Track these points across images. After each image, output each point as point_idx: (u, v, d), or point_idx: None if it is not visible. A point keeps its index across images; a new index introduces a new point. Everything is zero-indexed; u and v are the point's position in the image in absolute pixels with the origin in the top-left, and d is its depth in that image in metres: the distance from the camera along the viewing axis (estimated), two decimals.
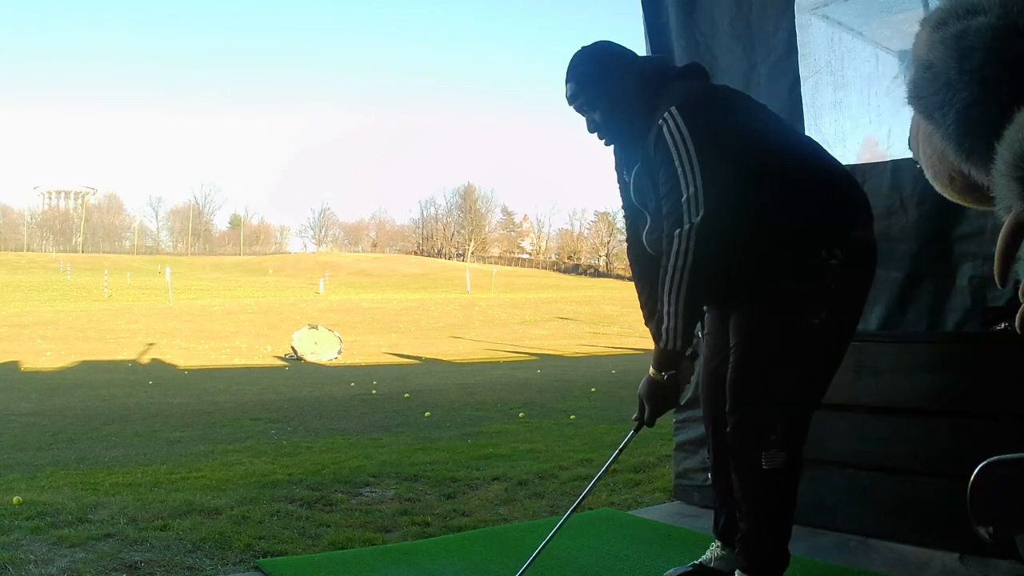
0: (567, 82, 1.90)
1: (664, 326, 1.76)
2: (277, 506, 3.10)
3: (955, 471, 1.70)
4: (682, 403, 3.16)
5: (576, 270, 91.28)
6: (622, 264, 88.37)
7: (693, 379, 3.13)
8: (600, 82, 1.86)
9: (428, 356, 17.18)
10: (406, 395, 8.58)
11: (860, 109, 2.94)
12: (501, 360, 15.79)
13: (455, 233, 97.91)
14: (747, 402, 1.82)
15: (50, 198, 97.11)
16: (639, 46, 3.32)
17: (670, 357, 1.81)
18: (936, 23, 0.98)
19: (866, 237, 1.86)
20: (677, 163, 1.70)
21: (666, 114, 1.73)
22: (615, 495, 3.38)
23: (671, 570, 2.14)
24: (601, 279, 78.86)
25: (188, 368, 13.99)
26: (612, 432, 5.38)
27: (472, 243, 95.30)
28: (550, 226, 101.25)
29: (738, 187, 1.70)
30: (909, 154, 1.59)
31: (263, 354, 17.58)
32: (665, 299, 1.74)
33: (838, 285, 1.80)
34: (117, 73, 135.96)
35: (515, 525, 2.89)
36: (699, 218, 1.68)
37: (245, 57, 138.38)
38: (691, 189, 1.69)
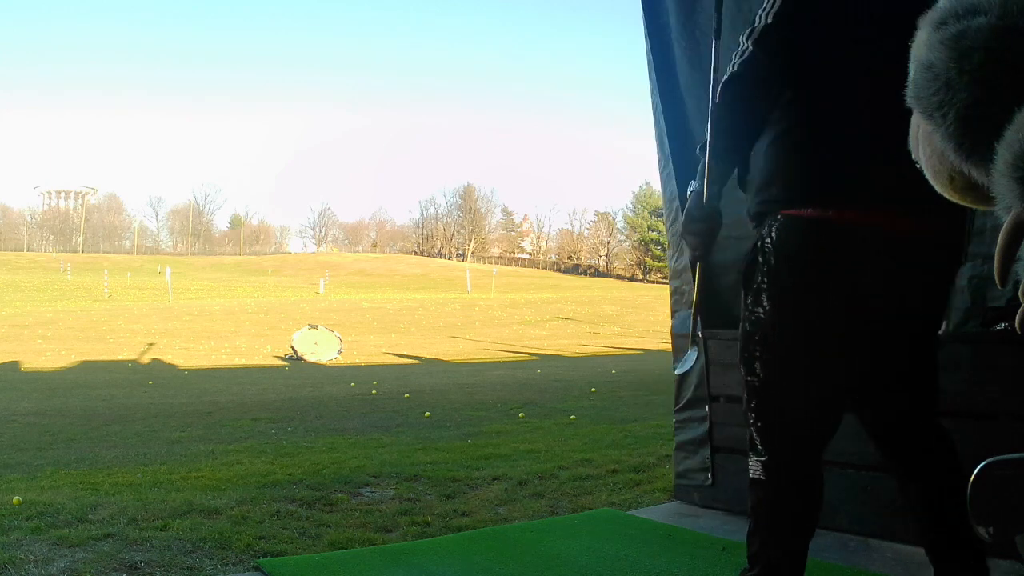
0: None
1: None
2: (277, 506, 3.11)
3: None
4: (681, 404, 3.19)
5: (576, 270, 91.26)
6: (622, 264, 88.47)
7: (694, 379, 3.14)
8: None
9: (428, 356, 17.18)
10: (406, 395, 8.58)
11: None
12: (501, 360, 15.80)
13: (455, 233, 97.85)
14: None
15: (50, 198, 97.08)
16: (639, 46, 3.33)
17: None
18: (936, 23, 0.98)
19: (828, 220, 1.56)
20: None
21: None
22: (615, 495, 3.38)
23: None
24: (601, 279, 78.70)
25: (188, 368, 13.99)
26: (612, 432, 5.38)
27: (472, 243, 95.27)
28: (550, 226, 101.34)
29: None
30: None
31: (263, 354, 17.58)
32: None
33: (767, 278, 1.62)
34: (117, 73, 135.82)
35: (515, 525, 2.89)
36: None
37: (245, 57, 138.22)
38: None
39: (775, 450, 1.65)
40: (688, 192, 1.73)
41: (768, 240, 1.62)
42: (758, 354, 1.64)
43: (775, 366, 1.63)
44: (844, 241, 1.57)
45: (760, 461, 1.66)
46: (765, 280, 1.62)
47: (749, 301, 1.65)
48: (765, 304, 1.62)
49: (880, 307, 1.62)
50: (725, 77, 1.69)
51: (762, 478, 1.66)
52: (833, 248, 1.58)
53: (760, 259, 1.63)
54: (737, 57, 1.69)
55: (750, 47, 1.66)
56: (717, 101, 1.69)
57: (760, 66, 1.65)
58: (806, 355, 1.62)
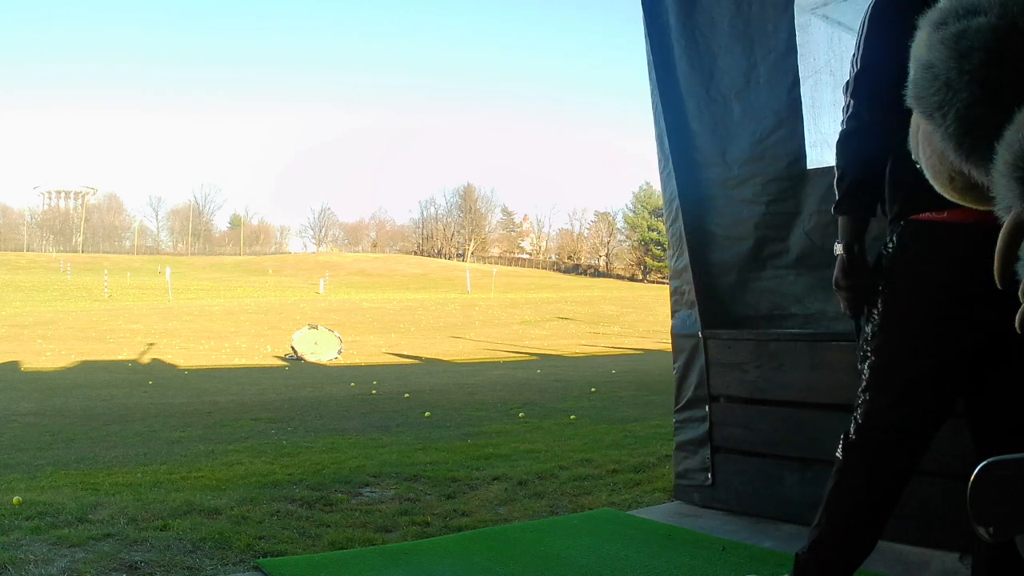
0: None
1: None
2: (277, 506, 3.11)
3: (955, 471, 1.70)
4: (681, 404, 3.19)
5: (576, 270, 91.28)
6: (622, 264, 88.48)
7: (694, 379, 3.14)
8: None
9: (428, 356, 17.19)
10: (406, 395, 8.58)
11: None
12: (501, 360, 15.80)
13: (455, 233, 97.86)
14: None
15: (50, 198, 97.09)
16: (639, 45, 3.33)
17: None
18: (936, 23, 0.98)
19: (934, 223, 1.58)
20: None
21: None
22: (615, 495, 3.38)
23: None
24: (601, 279, 78.69)
25: (188, 368, 13.99)
26: (612, 432, 5.38)
27: (472, 243, 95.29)
28: (550, 226, 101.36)
29: None
30: None
31: (263, 354, 17.58)
32: None
33: (886, 285, 1.64)
34: (117, 73, 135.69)
35: (515, 525, 2.89)
36: None
37: (245, 57, 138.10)
38: None
39: (861, 440, 1.68)
40: (834, 251, 1.76)
41: (890, 245, 1.66)
42: (868, 351, 1.68)
43: (879, 365, 1.66)
44: (959, 241, 1.54)
45: (844, 442, 1.70)
46: (882, 281, 1.66)
47: (870, 302, 1.69)
48: (879, 305, 1.66)
49: (991, 313, 1.47)
50: (839, 136, 1.73)
51: (839, 456, 1.71)
52: (946, 247, 1.57)
53: (882, 262, 1.68)
54: (844, 114, 1.72)
55: (851, 101, 1.70)
56: (837, 162, 1.73)
57: (863, 115, 1.68)
58: (908, 353, 1.64)
